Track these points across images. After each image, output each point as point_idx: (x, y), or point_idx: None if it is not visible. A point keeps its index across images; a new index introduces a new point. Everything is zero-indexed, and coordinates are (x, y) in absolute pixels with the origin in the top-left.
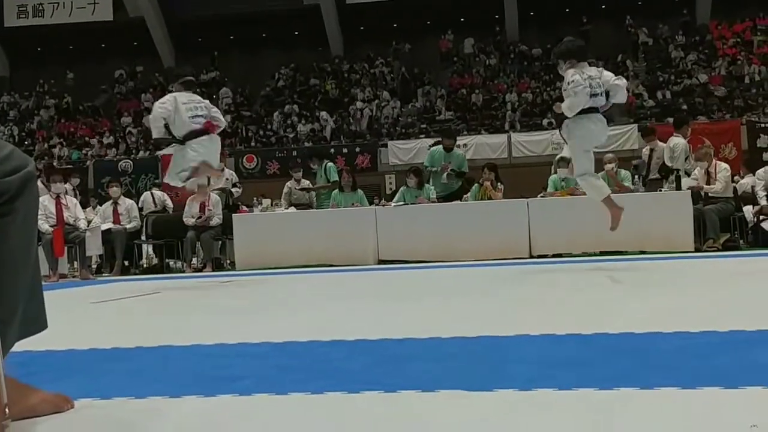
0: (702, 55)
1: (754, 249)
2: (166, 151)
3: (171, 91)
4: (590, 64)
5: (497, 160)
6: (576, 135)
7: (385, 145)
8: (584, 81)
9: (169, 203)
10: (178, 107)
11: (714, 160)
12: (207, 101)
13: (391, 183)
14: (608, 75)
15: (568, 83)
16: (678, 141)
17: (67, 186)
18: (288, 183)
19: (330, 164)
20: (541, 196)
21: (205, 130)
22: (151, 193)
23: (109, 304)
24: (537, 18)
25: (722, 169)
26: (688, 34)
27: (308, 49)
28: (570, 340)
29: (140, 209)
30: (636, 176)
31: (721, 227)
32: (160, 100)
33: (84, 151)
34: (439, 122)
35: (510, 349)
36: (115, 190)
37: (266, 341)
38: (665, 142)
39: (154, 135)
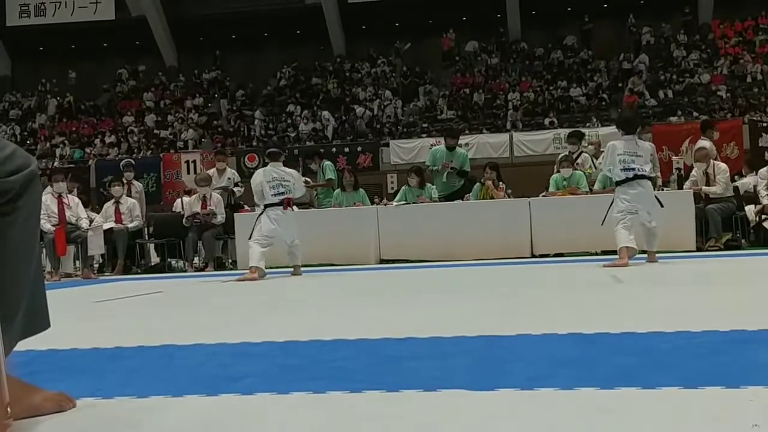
0: (704, 54)
1: (755, 248)
2: None
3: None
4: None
5: (499, 159)
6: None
7: (387, 145)
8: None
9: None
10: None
11: (712, 161)
12: (294, 173)
13: (392, 182)
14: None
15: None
16: (705, 144)
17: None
18: None
19: (327, 163)
20: (543, 196)
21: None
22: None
23: (112, 303)
24: (539, 17)
25: (721, 170)
26: (690, 33)
27: (310, 48)
28: (571, 339)
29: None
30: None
31: (723, 227)
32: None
33: (86, 151)
34: (441, 121)
35: (511, 349)
36: (117, 190)
37: (268, 340)
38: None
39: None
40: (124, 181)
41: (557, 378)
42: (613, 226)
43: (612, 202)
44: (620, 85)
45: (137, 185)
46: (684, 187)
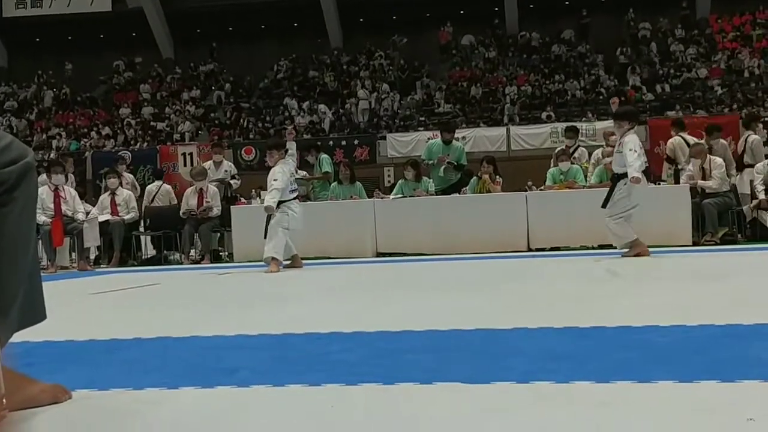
0: (702, 49)
1: (752, 243)
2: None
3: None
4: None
5: (496, 153)
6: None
7: (384, 138)
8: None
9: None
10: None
11: (708, 156)
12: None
13: (389, 176)
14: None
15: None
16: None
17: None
18: None
19: (324, 156)
20: (540, 189)
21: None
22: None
23: (108, 295)
24: (537, 10)
25: (717, 165)
26: (687, 28)
27: (307, 41)
28: (568, 333)
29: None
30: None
31: (719, 221)
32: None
33: (83, 142)
34: (438, 115)
35: (508, 342)
36: (112, 182)
37: (264, 333)
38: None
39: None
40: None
41: (554, 371)
42: (615, 220)
43: (623, 190)
44: (615, 88)
45: (128, 177)
46: (680, 181)
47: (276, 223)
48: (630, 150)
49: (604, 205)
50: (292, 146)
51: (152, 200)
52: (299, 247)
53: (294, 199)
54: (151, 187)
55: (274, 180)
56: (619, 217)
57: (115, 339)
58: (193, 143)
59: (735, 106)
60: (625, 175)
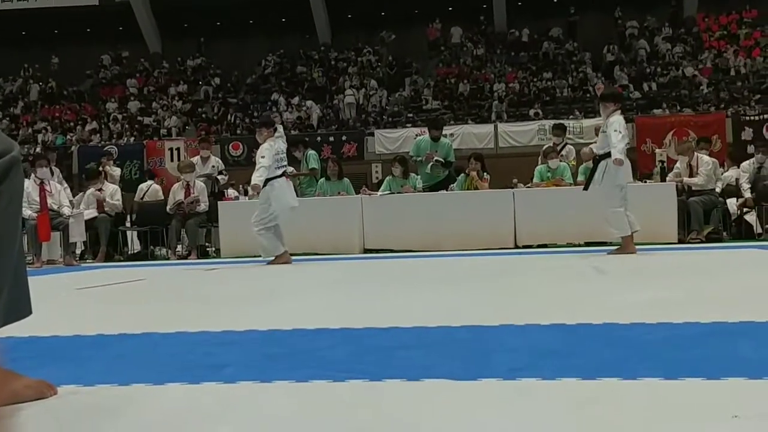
0: (689, 48)
1: (737, 241)
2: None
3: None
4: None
5: (483, 150)
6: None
7: (372, 134)
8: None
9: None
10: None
11: (696, 154)
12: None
13: (377, 172)
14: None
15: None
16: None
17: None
18: None
19: (311, 152)
20: (527, 187)
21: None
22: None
23: (94, 290)
24: (525, 8)
25: (704, 162)
26: (675, 26)
27: (295, 36)
28: (554, 330)
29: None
30: None
31: (705, 219)
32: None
33: (69, 136)
34: (426, 112)
35: (495, 339)
36: (97, 185)
37: (251, 329)
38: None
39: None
40: (107, 170)
41: (540, 368)
42: (615, 207)
43: (603, 172)
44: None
45: (115, 171)
46: (667, 179)
47: (255, 222)
48: (615, 131)
49: (585, 188)
50: (280, 128)
51: (142, 198)
52: (287, 243)
53: (281, 176)
54: (143, 186)
55: (261, 157)
56: (618, 206)
57: (101, 334)
58: (180, 138)
59: (721, 105)
60: (606, 155)
